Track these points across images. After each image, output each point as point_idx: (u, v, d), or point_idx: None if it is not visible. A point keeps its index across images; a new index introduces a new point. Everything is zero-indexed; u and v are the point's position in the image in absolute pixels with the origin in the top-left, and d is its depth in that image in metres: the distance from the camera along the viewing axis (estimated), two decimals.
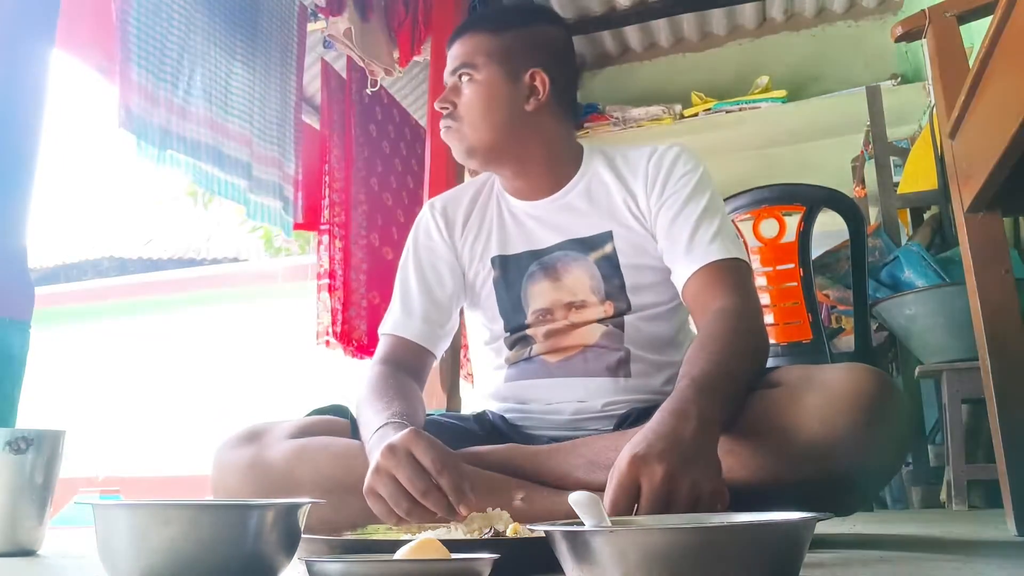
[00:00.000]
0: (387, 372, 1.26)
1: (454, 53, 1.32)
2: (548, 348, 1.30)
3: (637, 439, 0.88)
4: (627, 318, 1.27)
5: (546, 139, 1.33)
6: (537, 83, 1.31)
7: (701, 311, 1.18)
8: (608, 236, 1.30)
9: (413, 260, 1.41)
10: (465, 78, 1.29)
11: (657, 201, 1.29)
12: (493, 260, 1.37)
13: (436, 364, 1.42)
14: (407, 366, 1.31)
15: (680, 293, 1.24)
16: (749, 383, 1.05)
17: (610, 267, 1.29)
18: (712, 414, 0.92)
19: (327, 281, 2.99)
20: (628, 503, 0.83)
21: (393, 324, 1.36)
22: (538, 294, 1.32)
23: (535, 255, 1.34)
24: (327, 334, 2.94)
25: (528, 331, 1.32)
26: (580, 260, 1.31)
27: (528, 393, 1.29)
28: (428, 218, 1.43)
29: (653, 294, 1.29)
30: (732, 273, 1.19)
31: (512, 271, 1.35)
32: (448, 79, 1.32)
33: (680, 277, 1.23)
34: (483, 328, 1.40)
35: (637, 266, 1.28)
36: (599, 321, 1.28)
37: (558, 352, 1.29)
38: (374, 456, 0.97)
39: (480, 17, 1.38)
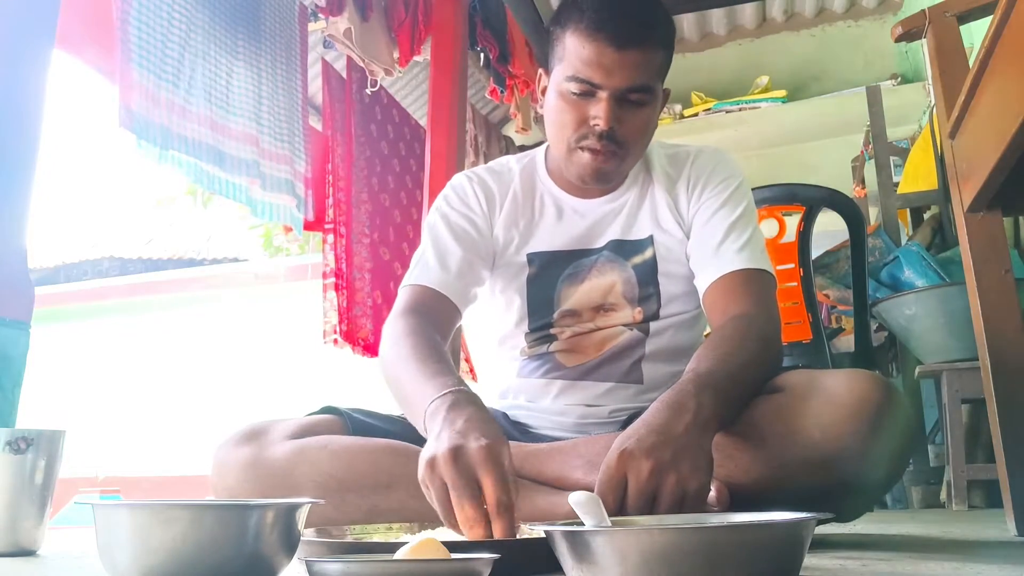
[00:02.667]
0: (418, 326, 1.16)
1: (631, 66, 1.14)
2: (566, 348, 1.27)
3: (629, 432, 0.87)
4: (653, 325, 1.25)
5: None
6: (666, 94, 1.25)
7: (718, 315, 1.16)
8: (649, 241, 1.27)
9: (445, 220, 1.31)
10: (636, 98, 1.16)
11: (695, 204, 1.27)
12: (531, 256, 1.30)
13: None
14: (436, 322, 1.20)
15: (700, 296, 1.22)
16: (755, 389, 1.04)
17: (648, 273, 1.26)
18: (710, 411, 0.91)
19: (333, 280, 2.99)
20: (615, 497, 0.83)
21: (426, 275, 1.25)
22: (570, 295, 1.28)
23: (576, 255, 1.29)
24: (335, 332, 2.94)
25: (552, 330, 1.28)
26: (618, 264, 1.27)
27: (538, 390, 1.27)
28: (466, 186, 1.34)
29: (681, 303, 1.27)
30: (755, 283, 1.18)
31: (550, 269, 1.29)
32: (610, 92, 1.14)
33: (703, 280, 1.21)
34: (501, 321, 1.34)
35: (673, 274, 1.26)
36: (625, 326, 1.26)
37: (575, 354, 1.26)
38: (431, 442, 0.90)
39: (652, 23, 1.17)
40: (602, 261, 1.28)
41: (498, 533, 0.82)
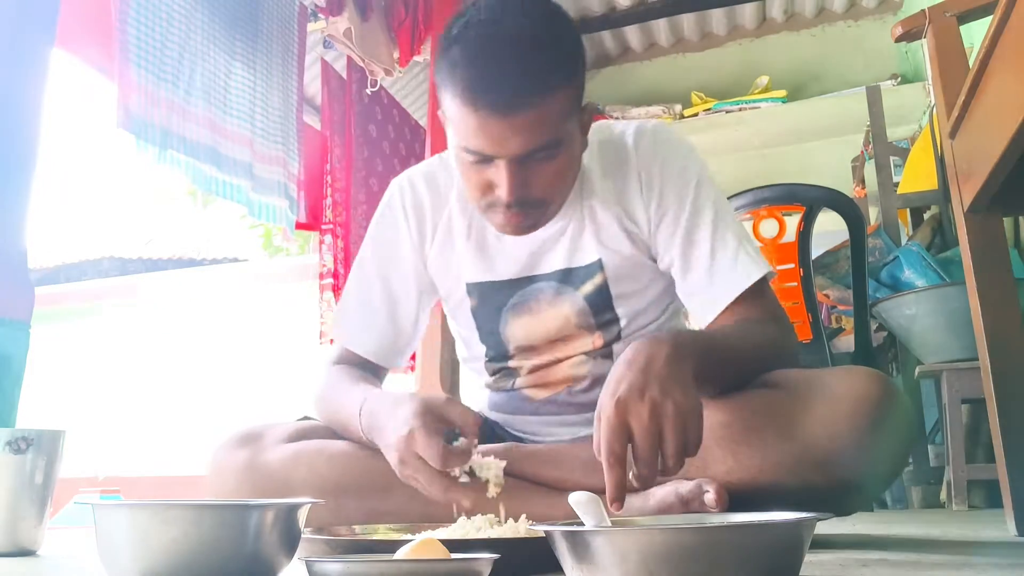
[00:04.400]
0: (346, 369, 1.21)
1: (524, 130, 0.99)
2: (532, 383, 1.22)
3: (614, 378, 0.88)
4: (616, 346, 1.19)
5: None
6: (587, 117, 1.11)
7: None
8: (598, 266, 1.16)
9: (375, 262, 1.25)
10: (540, 155, 1.02)
11: (657, 210, 1.15)
12: (469, 287, 1.22)
13: (436, 364, 1.40)
14: (366, 373, 1.23)
15: (704, 328, 1.14)
16: (751, 369, 1.04)
17: (600, 299, 1.17)
18: (688, 343, 0.92)
19: (330, 281, 2.99)
20: (623, 445, 0.84)
21: (349, 337, 1.24)
22: (519, 328, 1.21)
23: (517, 284, 1.20)
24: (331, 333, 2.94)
25: (511, 363, 1.23)
26: (566, 294, 1.18)
27: (512, 423, 1.27)
28: (399, 209, 1.24)
29: (644, 317, 1.21)
30: (758, 298, 1.11)
31: (490, 301, 1.22)
32: (507, 160, 1.01)
33: (707, 315, 1.12)
34: (462, 344, 1.31)
35: (630, 294, 1.18)
36: (586, 354, 1.19)
37: (542, 388, 1.22)
38: (389, 438, 0.97)
39: (538, 75, 0.99)
40: (549, 292, 1.19)
41: (470, 430, 0.92)
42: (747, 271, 1.11)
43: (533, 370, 1.22)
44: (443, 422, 0.94)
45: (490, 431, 1.29)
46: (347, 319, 1.26)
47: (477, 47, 0.99)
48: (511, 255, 1.20)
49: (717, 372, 0.98)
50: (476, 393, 1.33)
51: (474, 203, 1.11)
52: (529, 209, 1.07)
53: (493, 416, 1.30)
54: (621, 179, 1.16)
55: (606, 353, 1.19)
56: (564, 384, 1.21)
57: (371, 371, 1.24)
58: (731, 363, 1.01)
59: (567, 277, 1.18)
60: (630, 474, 0.84)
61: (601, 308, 1.18)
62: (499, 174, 1.03)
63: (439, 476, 0.92)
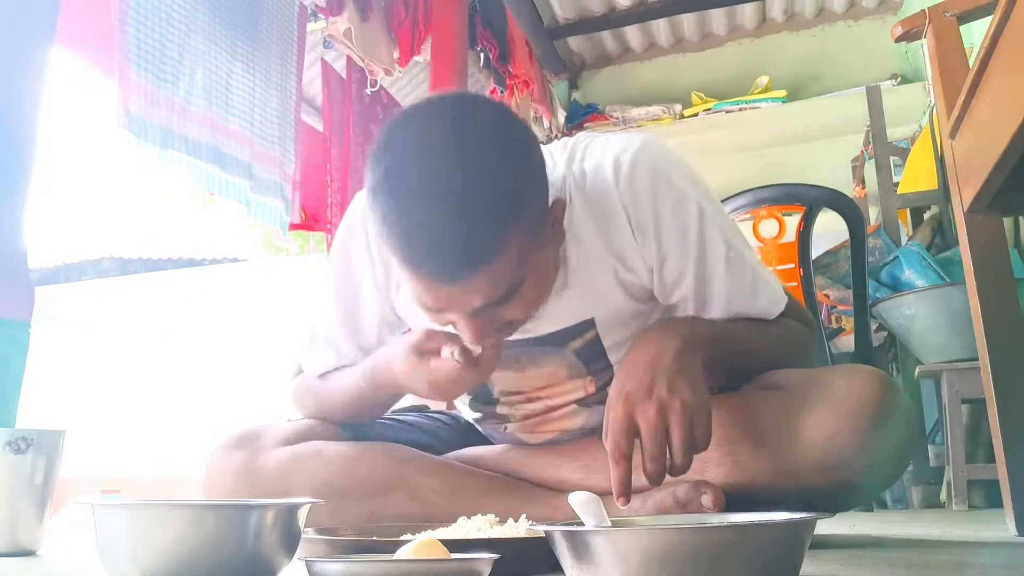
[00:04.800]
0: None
1: (474, 291, 0.87)
2: (526, 429, 1.16)
3: (623, 372, 0.89)
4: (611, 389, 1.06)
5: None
6: (555, 214, 0.97)
7: None
8: (590, 324, 1.07)
9: (336, 296, 1.16)
10: (499, 303, 0.91)
11: (656, 254, 1.02)
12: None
13: None
14: None
15: None
16: (764, 363, 1.04)
17: (592, 352, 1.09)
18: (701, 340, 0.92)
19: None
20: (630, 441, 0.85)
21: (314, 366, 1.20)
22: (501, 381, 1.13)
23: None
24: None
25: (499, 409, 1.16)
26: (553, 353, 1.09)
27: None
28: (362, 247, 1.12)
29: None
30: (783, 321, 1.08)
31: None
32: (463, 316, 0.90)
33: None
34: None
35: (622, 340, 1.08)
36: (578, 403, 1.12)
37: (537, 434, 1.16)
38: (394, 362, 1.02)
39: (479, 236, 0.84)
40: (534, 352, 1.09)
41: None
42: (768, 308, 1.05)
43: (525, 418, 1.15)
44: None
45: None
46: (313, 347, 1.20)
47: (406, 203, 0.84)
48: None
49: (727, 363, 0.98)
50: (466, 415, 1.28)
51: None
52: (501, 335, 0.97)
53: None
54: (608, 226, 1.02)
55: (600, 399, 1.08)
56: (557, 432, 1.15)
57: None
58: (743, 355, 1.02)
59: (549, 339, 1.08)
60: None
61: (592, 359, 1.10)
62: (459, 324, 0.92)
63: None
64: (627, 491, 0.84)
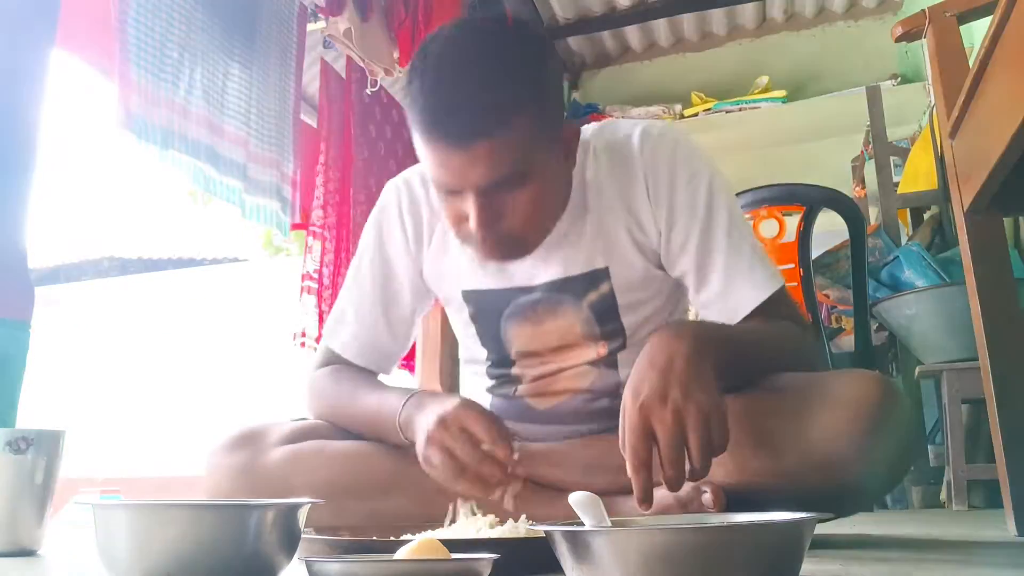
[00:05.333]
0: (345, 368, 1.22)
1: (484, 161, 0.95)
2: (534, 391, 1.19)
3: (636, 379, 0.88)
4: (621, 355, 1.16)
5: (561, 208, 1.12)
6: (569, 135, 1.06)
7: None
8: (604, 274, 1.13)
9: (370, 267, 1.23)
10: (510, 185, 0.98)
11: (666, 219, 1.10)
12: (465, 294, 1.20)
13: (436, 364, 1.40)
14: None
15: None
16: (769, 366, 1.04)
17: (607, 310, 1.14)
18: (712, 344, 0.92)
19: (308, 283, 2.97)
20: (648, 448, 0.85)
21: (341, 343, 1.23)
22: (519, 336, 1.18)
23: (512, 295, 1.16)
24: (303, 336, 2.93)
25: (514, 370, 1.20)
26: (569, 305, 1.14)
27: (516, 430, 1.22)
28: (394, 212, 1.22)
29: (652, 324, 1.17)
30: (777, 309, 1.09)
31: (487, 309, 1.19)
32: (472, 191, 0.97)
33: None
34: (464, 346, 1.29)
35: (637, 303, 1.14)
36: (591, 363, 1.16)
37: (545, 397, 1.19)
38: (421, 425, 0.99)
39: (496, 103, 0.95)
40: (550, 302, 1.15)
41: (501, 455, 0.92)
42: (765, 283, 1.08)
43: (536, 379, 1.19)
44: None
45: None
46: (339, 320, 1.25)
47: (433, 78, 0.96)
48: (506, 265, 1.14)
49: (737, 366, 0.98)
50: (476, 397, 1.30)
51: (453, 232, 1.08)
52: (505, 242, 1.02)
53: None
54: (628, 186, 1.12)
55: (610, 363, 1.16)
56: (567, 394, 1.18)
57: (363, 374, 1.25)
58: (750, 358, 1.01)
59: (565, 286, 1.14)
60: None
61: (606, 318, 1.14)
62: (468, 205, 0.99)
63: (460, 466, 0.94)
64: (649, 497, 0.84)
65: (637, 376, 0.89)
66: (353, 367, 1.23)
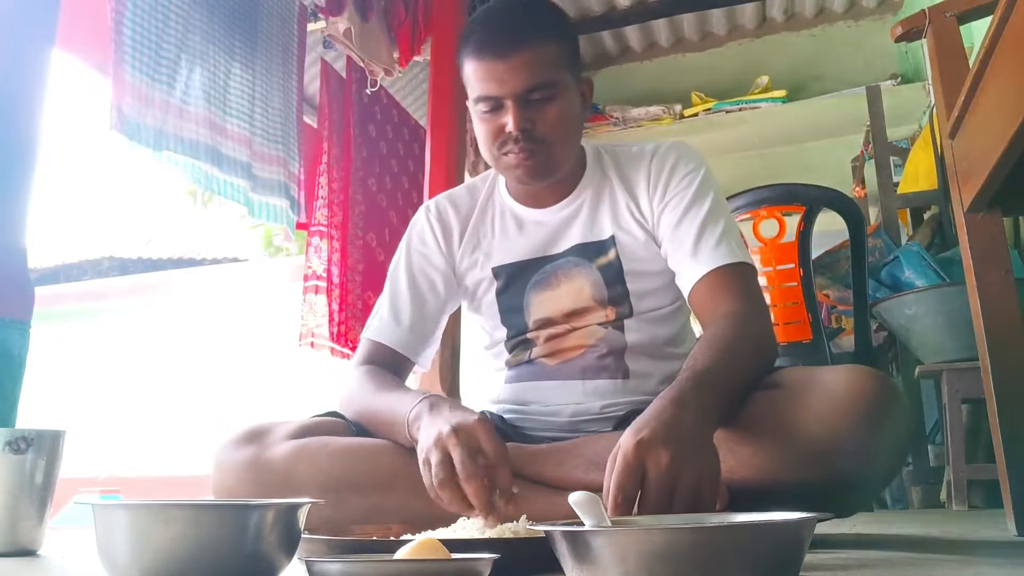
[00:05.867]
0: (377, 370, 1.27)
1: (521, 68, 1.18)
2: (548, 351, 1.29)
3: (639, 424, 0.87)
4: (627, 322, 1.26)
5: (578, 148, 1.32)
6: (586, 91, 1.29)
7: (708, 315, 1.17)
8: (612, 242, 1.28)
9: (405, 265, 1.38)
10: (540, 96, 1.19)
11: (660, 203, 1.27)
12: (496, 270, 1.34)
13: (436, 363, 1.42)
14: (391, 370, 1.30)
15: (686, 297, 1.23)
16: (751, 384, 1.04)
17: (614, 274, 1.27)
18: (712, 406, 0.92)
19: (315, 283, 2.98)
20: (635, 486, 0.83)
21: (379, 330, 1.34)
22: (540, 303, 1.30)
23: (540, 262, 1.31)
24: (311, 335, 2.93)
25: (529, 335, 1.31)
26: (583, 267, 1.29)
27: (527, 395, 1.29)
28: (424, 223, 1.40)
29: (655, 299, 1.28)
30: (738, 278, 1.18)
31: (515, 280, 1.32)
32: (511, 99, 1.18)
33: (686, 282, 1.21)
34: (484, 333, 1.39)
35: (640, 272, 1.27)
36: (599, 324, 1.27)
37: (557, 355, 1.28)
38: (428, 425, 0.99)
39: (532, 23, 1.22)
40: (568, 266, 1.30)
41: (502, 480, 0.92)
42: (730, 250, 1.19)
43: (549, 339, 1.28)
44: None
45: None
46: (378, 316, 1.36)
47: (485, 13, 1.24)
48: (533, 236, 1.32)
49: (728, 414, 0.99)
50: (489, 380, 1.38)
51: (492, 158, 1.25)
52: (536, 148, 1.20)
53: (501, 404, 1.33)
54: (635, 174, 1.31)
55: (618, 326, 1.27)
56: (578, 350, 1.27)
57: (396, 369, 1.31)
58: (736, 395, 1.01)
59: (583, 251, 1.29)
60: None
61: (612, 282, 1.27)
62: (507, 115, 1.19)
63: (452, 473, 0.93)
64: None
65: (641, 421, 0.88)
66: (387, 371, 1.28)
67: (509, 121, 1.18)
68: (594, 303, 1.27)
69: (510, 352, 1.34)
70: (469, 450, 0.93)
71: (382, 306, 1.37)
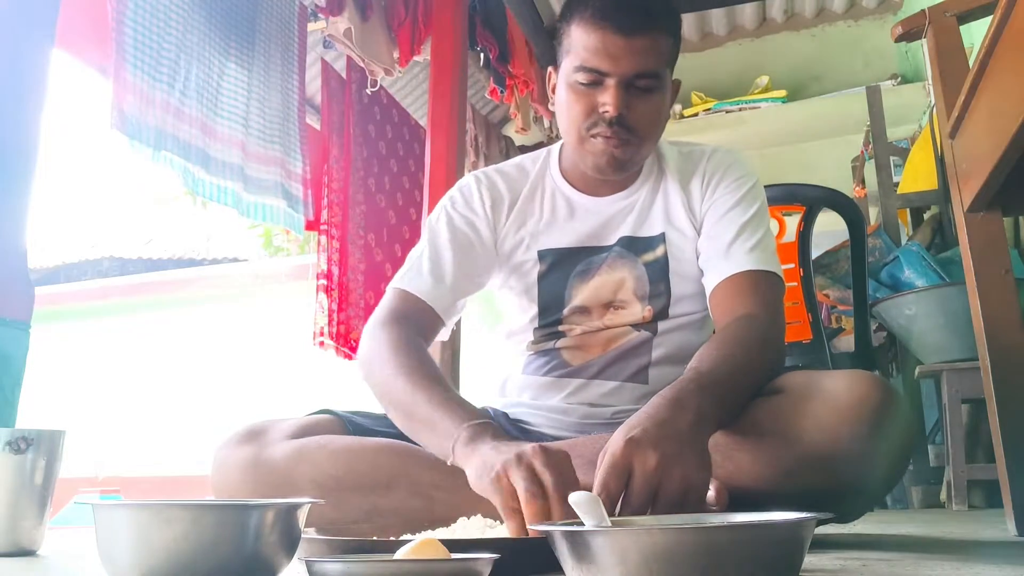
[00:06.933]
0: (408, 338, 1.17)
1: (638, 52, 1.14)
2: (573, 345, 1.26)
3: (632, 422, 0.86)
4: (661, 324, 1.25)
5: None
6: (676, 87, 1.26)
7: (724, 315, 1.16)
8: (661, 239, 1.27)
9: (448, 223, 1.31)
10: (644, 84, 1.15)
11: (708, 200, 1.26)
12: (541, 253, 1.30)
13: (435, 358, 1.36)
14: (420, 331, 1.22)
15: (708, 294, 1.21)
16: (754, 391, 1.04)
17: (659, 271, 1.25)
18: (710, 411, 0.91)
19: (324, 282, 2.99)
20: (619, 485, 0.81)
21: (417, 282, 1.25)
22: (581, 292, 1.27)
23: (587, 252, 1.28)
24: (322, 335, 2.94)
25: (560, 327, 1.28)
26: (629, 261, 1.27)
27: (542, 388, 1.26)
28: (473, 187, 1.34)
29: (691, 303, 1.26)
30: (763, 285, 1.17)
31: (561, 266, 1.29)
32: (617, 78, 1.14)
33: (712, 279, 1.20)
34: (512, 317, 1.34)
35: (684, 274, 1.26)
36: (633, 326, 1.25)
37: (581, 351, 1.26)
38: (507, 448, 0.90)
39: (658, 10, 1.17)
40: (612, 257, 1.27)
41: (556, 516, 0.84)
42: (763, 258, 1.19)
43: (579, 334, 1.26)
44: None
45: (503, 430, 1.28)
46: (414, 265, 1.28)
47: None
48: (583, 224, 1.29)
49: (727, 419, 0.98)
50: (500, 370, 1.34)
51: (575, 134, 1.20)
52: (626, 136, 1.17)
53: (512, 395, 1.30)
54: (690, 174, 1.30)
55: (651, 329, 1.25)
56: (603, 350, 1.25)
57: (427, 332, 1.24)
58: (738, 401, 1.00)
59: (632, 245, 1.27)
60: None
61: (656, 279, 1.25)
62: (607, 93, 1.15)
63: (564, 499, 0.83)
64: None
65: (634, 420, 0.87)
66: (416, 336, 1.19)
67: (608, 102, 1.14)
68: (634, 297, 1.25)
69: (536, 338, 1.30)
70: (560, 472, 0.85)
71: (420, 257, 1.28)
